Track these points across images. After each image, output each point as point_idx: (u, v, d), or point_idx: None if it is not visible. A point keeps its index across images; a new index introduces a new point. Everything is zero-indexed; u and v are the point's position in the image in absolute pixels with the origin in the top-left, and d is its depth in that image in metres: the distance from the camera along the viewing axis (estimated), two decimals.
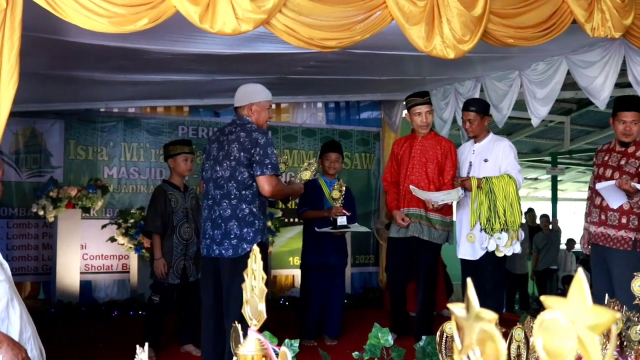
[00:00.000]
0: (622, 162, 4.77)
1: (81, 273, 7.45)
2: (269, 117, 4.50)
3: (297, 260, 8.31)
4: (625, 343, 2.72)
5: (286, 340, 2.53)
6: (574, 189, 19.80)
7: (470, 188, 5.15)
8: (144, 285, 6.57)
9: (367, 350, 3.16)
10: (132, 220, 7.32)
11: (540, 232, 11.10)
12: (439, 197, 5.16)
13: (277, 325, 2.47)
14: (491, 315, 0.72)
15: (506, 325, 2.74)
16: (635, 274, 2.94)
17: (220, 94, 7.05)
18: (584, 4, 4.42)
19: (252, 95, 4.42)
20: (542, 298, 0.70)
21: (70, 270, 7.25)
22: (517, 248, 5.16)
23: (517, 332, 2.57)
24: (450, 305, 0.77)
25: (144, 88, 6.77)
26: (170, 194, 5.37)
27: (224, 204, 4.21)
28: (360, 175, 8.97)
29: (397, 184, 5.49)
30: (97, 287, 7.73)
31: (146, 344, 1.61)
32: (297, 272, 8.13)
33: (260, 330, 1.35)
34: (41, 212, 7.13)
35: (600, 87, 5.67)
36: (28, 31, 3.27)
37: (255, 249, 1.32)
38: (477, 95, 7.08)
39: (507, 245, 5.08)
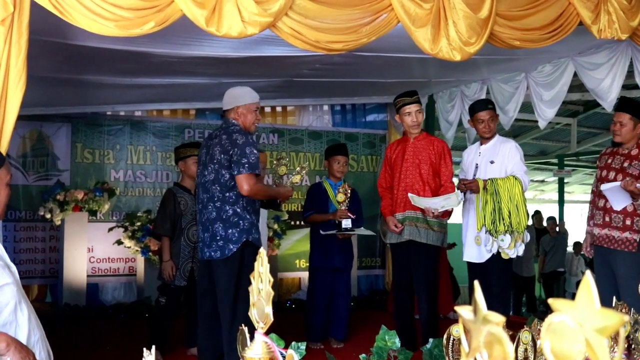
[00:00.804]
0: (626, 164, 4.76)
1: (88, 276, 7.46)
2: (256, 120, 4.47)
3: (303, 263, 8.32)
4: (633, 346, 2.71)
5: (293, 343, 2.52)
6: (581, 192, 19.75)
7: (477, 190, 5.08)
8: (151, 288, 6.58)
9: (374, 353, 3.15)
10: (138, 223, 7.34)
11: (547, 235, 11.06)
12: (438, 204, 5.05)
13: (283, 327, 2.46)
14: (499, 318, 0.72)
15: (513, 328, 2.73)
16: None
17: None
18: (590, 6, 4.42)
19: (238, 98, 4.42)
20: (550, 301, 0.70)
21: (77, 273, 7.27)
22: (521, 250, 5.09)
23: (525, 335, 2.56)
24: (458, 308, 0.77)
25: (151, 91, 6.78)
26: (180, 197, 5.39)
27: (210, 206, 4.27)
28: (367, 178, 8.96)
29: (392, 189, 5.38)
30: (104, 290, 7.74)
31: (153, 346, 1.61)
32: (303, 275, 8.13)
33: (267, 332, 1.35)
34: (48, 215, 7.15)
35: (607, 88, 5.66)
36: (35, 35, 3.28)
37: (262, 251, 1.32)
38: (483, 98, 7.07)
39: (510, 247, 5.00)
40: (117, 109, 7.87)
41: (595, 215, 4.94)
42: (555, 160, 13.90)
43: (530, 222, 11.06)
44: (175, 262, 5.29)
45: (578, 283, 9.33)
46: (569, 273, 11.78)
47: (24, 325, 2.31)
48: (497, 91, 6.94)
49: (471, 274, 5.38)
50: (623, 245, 4.70)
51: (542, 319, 2.71)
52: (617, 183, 4.67)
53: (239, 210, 4.22)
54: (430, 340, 3.42)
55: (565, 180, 14.32)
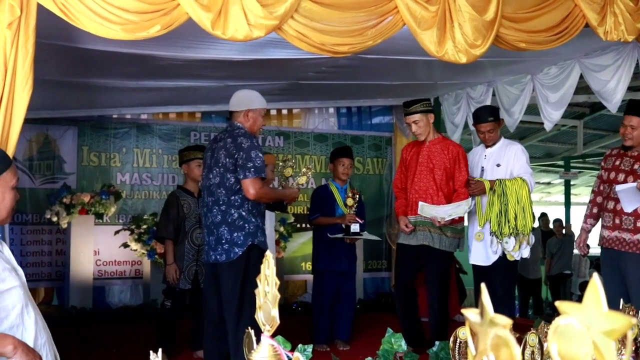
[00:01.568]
0: (636, 166, 4.74)
1: (94, 279, 7.48)
2: (262, 124, 4.52)
3: (308, 266, 8.31)
4: None
5: (299, 346, 2.53)
6: (587, 194, 19.62)
7: (483, 192, 5.07)
8: (157, 290, 6.59)
9: (380, 356, 3.15)
10: (145, 226, 7.35)
11: (553, 237, 11.04)
12: (446, 212, 5.00)
13: (289, 330, 2.47)
14: (505, 321, 0.72)
15: (520, 330, 2.73)
16: None
17: None
18: (596, 8, 4.41)
19: (250, 101, 4.43)
20: (557, 303, 0.70)
21: (83, 276, 7.28)
22: (525, 252, 5.08)
23: (531, 338, 2.55)
24: (465, 311, 0.77)
25: (156, 94, 6.80)
26: (183, 200, 5.40)
27: (215, 210, 4.28)
28: (372, 181, 8.96)
29: (406, 191, 5.34)
30: (111, 293, 7.75)
31: (159, 349, 1.61)
32: (309, 277, 8.13)
33: (273, 335, 1.35)
34: (55, 219, 7.17)
35: (613, 90, 5.65)
36: (42, 38, 3.29)
37: (269, 254, 1.32)
38: (489, 100, 7.07)
39: (515, 249, 5.00)
40: (123, 112, 7.89)
41: (605, 218, 4.92)
42: (561, 163, 13.89)
43: (536, 225, 11.06)
44: (180, 265, 5.30)
45: (583, 284, 9.33)
46: (577, 275, 11.75)
47: (31, 328, 2.32)
48: (502, 93, 6.93)
49: (477, 276, 5.33)
50: (635, 248, 4.67)
51: (548, 321, 2.70)
52: (633, 184, 4.64)
53: (244, 213, 4.23)
54: (437, 343, 3.41)
55: (572, 182, 14.30)
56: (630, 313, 2.84)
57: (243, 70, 5.69)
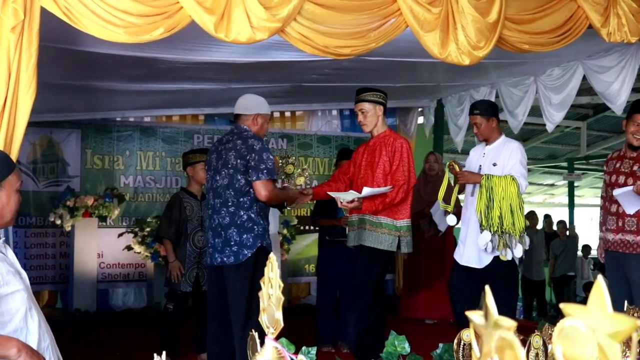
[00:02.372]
0: (635, 167, 4.73)
1: (98, 281, 7.49)
2: (267, 130, 4.59)
3: (312, 268, 8.31)
4: None
5: (303, 348, 2.52)
6: (591, 195, 19.68)
7: (477, 180, 4.78)
8: (161, 293, 6.60)
9: (384, 358, 3.14)
10: (148, 229, 7.36)
11: (557, 239, 11.03)
12: (341, 196, 4.65)
13: (293, 332, 2.46)
14: (510, 323, 0.72)
15: (524, 332, 2.72)
16: None
17: (236, 102, 7.08)
18: (599, 9, 4.40)
19: (259, 106, 4.45)
20: (562, 305, 0.70)
21: (87, 279, 7.29)
22: (517, 253, 4.75)
23: (536, 340, 2.55)
24: (469, 313, 0.77)
25: (160, 97, 6.81)
26: (186, 202, 5.41)
27: (223, 212, 4.26)
28: None
29: (340, 181, 5.03)
30: (114, 296, 7.77)
31: (164, 352, 1.61)
32: (313, 280, 8.13)
33: (277, 338, 1.35)
34: (58, 221, 7.18)
35: (616, 92, 5.64)
36: (45, 42, 3.30)
37: (272, 256, 1.32)
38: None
39: (499, 248, 4.69)
40: (126, 115, 7.91)
41: (608, 221, 4.90)
42: (565, 164, 13.88)
43: (540, 226, 11.06)
44: (182, 267, 5.31)
45: (586, 285, 9.27)
46: (581, 277, 11.74)
47: (35, 331, 2.32)
48: (506, 95, 6.93)
49: (469, 280, 4.99)
50: (639, 249, 4.67)
51: (553, 323, 2.70)
52: (630, 187, 4.64)
53: (253, 215, 4.23)
54: (440, 345, 3.40)
55: (575, 184, 14.29)
56: (635, 315, 2.84)
57: (246, 73, 5.70)
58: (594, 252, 10.86)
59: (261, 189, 4.14)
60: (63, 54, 4.37)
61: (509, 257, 4.77)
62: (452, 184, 4.99)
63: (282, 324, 1.30)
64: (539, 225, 11.03)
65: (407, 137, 8.81)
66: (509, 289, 4.91)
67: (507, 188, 4.71)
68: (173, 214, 5.38)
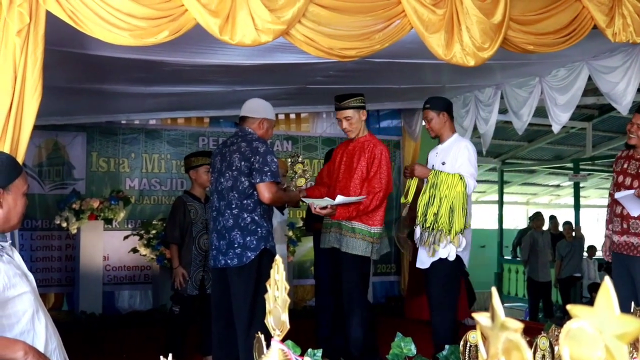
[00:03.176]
0: None
1: (104, 284, 7.50)
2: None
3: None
4: None
5: (309, 350, 2.52)
6: (597, 196, 19.62)
7: (425, 174, 4.69)
8: (166, 295, 6.61)
9: None
10: (154, 231, 7.37)
11: (563, 240, 11.00)
12: (315, 202, 4.67)
13: (299, 334, 2.46)
14: (517, 325, 0.71)
15: (530, 334, 2.72)
16: None
17: (241, 104, 7.02)
18: (604, 9, 4.39)
19: (266, 111, 4.50)
20: (569, 307, 0.70)
21: (93, 282, 7.31)
22: (443, 253, 4.55)
23: (542, 341, 2.54)
24: (475, 315, 0.77)
25: (165, 100, 6.82)
26: (190, 205, 5.41)
27: (227, 214, 4.26)
28: None
29: (323, 184, 5.08)
30: (120, 298, 7.78)
31: (169, 354, 1.61)
32: None
33: (283, 340, 1.35)
34: (64, 224, 7.20)
35: (622, 92, 5.62)
36: (51, 45, 3.31)
37: (278, 259, 1.32)
38: (497, 103, 7.06)
39: (426, 244, 4.58)
40: (131, 118, 7.92)
41: (614, 222, 4.90)
42: (570, 165, 13.84)
43: (546, 227, 11.03)
44: (187, 270, 5.31)
45: (591, 286, 9.23)
46: (587, 278, 11.71)
47: (41, 333, 2.33)
48: (511, 96, 6.92)
49: (423, 280, 4.96)
50: None
51: (559, 324, 2.69)
52: (631, 191, 4.64)
53: (256, 217, 4.24)
54: (447, 347, 3.40)
55: (581, 185, 14.25)
56: None
57: (251, 75, 5.70)
58: (599, 253, 10.83)
59: (265, 191, 4.16)
60: (68, 57, 4.38)
61: (436, 257, 4.58)
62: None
63: (288, 326, 1.30)
64: (545, 226, 11.00)
65: (412, 138, 8.83)
66: (445, 290, 4.66)
67: (453, 187, 4.56)
68: (177, 217, 5.39)
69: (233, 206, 4.25)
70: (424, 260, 4.73)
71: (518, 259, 12.33)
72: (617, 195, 4.71)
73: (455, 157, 4.69)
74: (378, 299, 8.62)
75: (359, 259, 4.73)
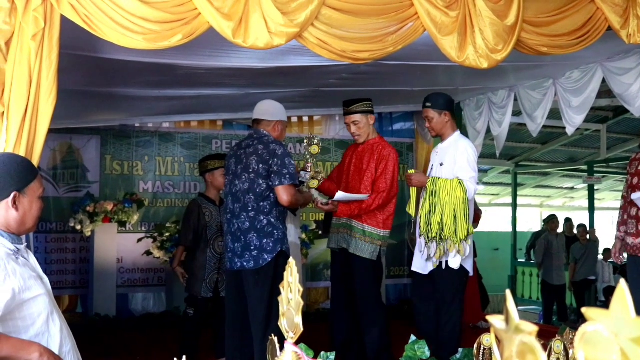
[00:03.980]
0: None
1: (118, 286, 7.53)
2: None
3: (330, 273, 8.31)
4: None
5: (322, 353, 2.52)
6: (612, 198, 19.49)
7: (423, 183, 4.55)
8: (180, 298, 6.63)
9: None
10: (167, 234, 7.39)
11: (577, 243, 10.94)
12: (337, 197, 4.70)
13: (312, 337, 2.47)
14: (531, 328, 0.71)
15: (544, 337, 2.70)
16: None
17: (254, 107, 7.09)
18: (619, 11, 4.37)
19: (281, 113, 4.53)
20: (584, 310, 0.69)
21: (107, 284, 7.33)
22: (453, 262, 4.45)
23: (557, 345, 2.53)
24: (489, 318, 0.76)
25: (178, 103, 6.84)
26: (205, 208, 5.42)
27: (243, 216, 4.26)
28: None
29: (333, 181, 5.13)
30: (134, 300, 7.80)
31: (183, 356, 1.61)
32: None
33: (297, 342, 1.35)
34: (78, 227, 7.23)
35: (635, 94, 5.59)
36: (65, 49, 3.33)
37: (292, 261, 1.32)
38: (511, 105, 7.03)
39: (437, 256, 4.41)
40: (145, 121, 7.95)
41: (628, 224, 4.86)
42: (584, 167, 13.78)
43: (560, 230, 10.97)
44: (202, 273, 5.33)
45: (606, 289, 9.16)
46: (602, 281, 11.64)
47: (56, 335, 2.34)
48: (524, 98, 6.89)
49: (415, 285, 4.87)
50: None
51: (573, 328, 2.68)
52: None
53: (273, 220, 4.24)
54: (460, 350, 3.39)
55: (596, 187, 14.17)
56: None
57: (264, 78, 5.72)
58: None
59: (283, 194, 4.17)
60: (83, 61, 4.41)
61: (444, 266, 4.48)
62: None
63: (301, 329, 1.31)
64: (560, 229, 10.95)
65: (425, 141, 8.81)
66: (453, 298, 4.57)
67: (452, 192, 4.38)
68: (192, 220, 5.41)
69: (249, 208, 4.25)
70: (423, 266, 4.62)
71: (532, 261, 12.28)
72: (634, 196, 4.68)
73: (453, 159, 4.56)
74: (391, 302, 8.60)
75: (368, 261, 4.77)
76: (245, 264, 4.22)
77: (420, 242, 4.57)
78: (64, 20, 3.18)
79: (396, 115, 9.12)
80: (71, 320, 5.36)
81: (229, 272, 4.43)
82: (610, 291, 10.02)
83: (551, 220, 10.74)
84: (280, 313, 1.34)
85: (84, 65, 4.58)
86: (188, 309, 5.42)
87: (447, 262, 4.45)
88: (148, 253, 7.45)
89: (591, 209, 12.72)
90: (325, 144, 8.75)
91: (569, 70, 6.24)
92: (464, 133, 7.85)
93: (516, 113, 7.54)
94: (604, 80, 5.95)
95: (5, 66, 3.08)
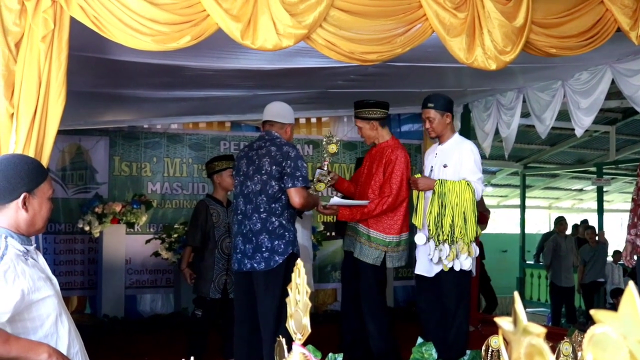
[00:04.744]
0: None
1: (126, 287, 7.54)
2: None
3: (339, 275, 8.30)
4: None
5: (330, 354, 2.52)
6: (621, 200, 19.41)
7: (430, 186, 4.54)
8: (188, 299, 6.64)
9: None
10: (175, 235, 7.40)
11: (586, 244, 10.90)
12: (337, 202, 4.75)
13: (320, 339, 2.46)
14: (539, 330, 0.71)
15: (553, 339, 2.70)
16: None
17: (262, 109, 7.04)
18: (628, 12, 4.35)
19: (292, 116, 4.58)
20: (592, 312, 0.69)
21: (115, 285, 7.35)
22: (466, 264, 4.45)
23: (565, 347, 2.52)
24: (497, 319, 0.76)
25: (186, 104, 6.86)
26: (213, 209, 5.43)
27: (254, 217, 4.27)
28: None
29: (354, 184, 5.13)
30: (142, 302, 7.82)
31: (191, 358, 1.62)
32: (339, 286, 8.12)
33: (304, 344, 1.35)
34: (87, 228, 7.26)
35: None
36: (74, 50, 3.35)
37: (299, 262, 1.33)
38: (519, 107, 7.01)
39: (449, 258, 4.40)
40: (153, 122, 7.97)
41: (638, 227, 4.84)
42: (593, 169, 13.74)
43: (569, 232, 10.93)
44: (210, 274, 5.33)
45: (613, 292, 9.12)
46: (611, 283, 11.59)
47: (65, 336, 2.35)
48: (533, 100, 6.88)
49: (420, 288, 4.85)
50: None
51: (582, 330, 2.67)
52: None
53: (284, 222, 4.26)
54: (468, 352, 3.38)
55: (605, 189, 14.12)
56: None
57: (272, 80, 5.72)
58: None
59: (296, 196, 4.19)
60: (92, 63, 4.42)
61: (457, 268, 4.46)
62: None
63: (309, 330, 1.31)
64: (568, 231, 10.91)
65: (433, 142, 8.79)
66: (460, 300, 4.56)
67: (461, 194, 4.39)
68: (199, 221, 5.42)
69: (261, 210, 4.25)
70: (428, 269, 4.61)
71: (540, 263, 12.25)
72: None
73: (459, 160, 4.55)
74: (399, 303, 8.59)
75: (371, 266, 4.78)
76: (255, 265, 4.22)
77: (429, 245, 4.54)
78: (73, 22, 3.19)
79: (404, 116, 9.11)
80: (79, 321, 5.39)
81: (238, 273, 4.43)
82: (617, 293, 9.98)
83: (559, 222, 10.71)
84: (288, 314, 1.34)
85: (93, 66, 4.60)
86: (196, 310, 5.42)
87: (435, 261, 4.48)
88: (156, 254, 7.47)
89: (600, 210, 12.68)
90: None
91: (577, 71, 6.22)
92: (473, 134, 7.85)
93: (525, 114, 7.52)
94: (613, 82, 5.93)
95: (15, 67, 3.10)
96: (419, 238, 4.67)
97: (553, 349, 2.48)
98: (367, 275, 4.80)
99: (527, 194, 14.62)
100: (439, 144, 4.76)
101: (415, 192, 4.73)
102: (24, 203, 2.33)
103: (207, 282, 5.32)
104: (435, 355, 3.15)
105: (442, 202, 4.42)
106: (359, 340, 5.02)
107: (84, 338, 2.52)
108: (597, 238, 10.87)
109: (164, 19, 3.31)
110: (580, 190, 18.53)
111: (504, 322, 0.76)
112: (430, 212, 4.48)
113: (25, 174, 2.36)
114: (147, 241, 7.57)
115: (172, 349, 5.73)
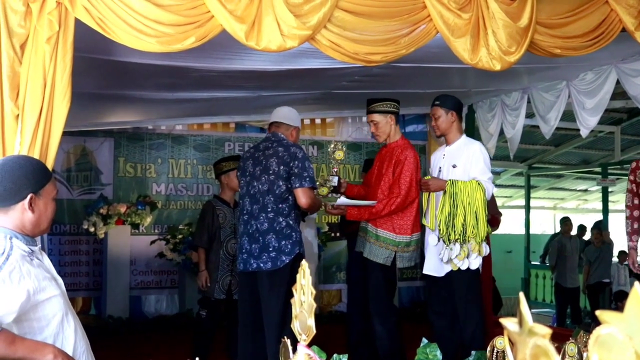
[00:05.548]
0: None
1: (131, 288, 7.56)
2: None
3: (343, 275, 8.31)
4: None
5: (335, 355, 2.52)
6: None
7: (442, 187, 4.52)
8: (193, 300, 6.65)
9: None
10: (180, 236, 7.41)
11: (591, 245, 10.88)
12: (345, 202, 4.72)
13: (324, 339, 2.46)
14: (545, 330, 0.71)
15: (558, 340, 2.69)
16: None
17: (266, 110, 7.11)
18: (633, 12, 4.34)
19: (298, 120, 4.60)
20: (598, 312, 0.69)
21: (120, 286, 7.37)
22: (475, 263, 4.46)
23: (570, 347, 2.52)
24: (503, 320, 0.76)
25: (191, 105, 6.87)
26: (219, 209, 5.44)
27: (261, 217, 4.27)
28: None
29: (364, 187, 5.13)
30: (147, 302, 7.83)
31: (196, 358, 1.62)
32: (344, 287, 8.13)
33: (309, 345, 1.35)
34: (92, 229, 7.28)
35: None
36: (79, 52, 3.35)
37: (304, 263, 1.33)
38: (524, 107, 7.01)
39: (460, 257, 4.40)
40: (158, 124, 7.99)
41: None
42: (598, 169, 13.70)
43: (574, 232, 10.91)
44: (214, 275, 5.34)
45: (617, 295, 9.08)
46: (617, 283, 11.56)
47: (71, 337, 2.35)
48: (538, 100, 6.86)
49: (430, 288, 4.87)
50: None
51: (587, 330, 2.66)
52: None
53: (291, 222, 4.27)
54: (473, 352, 3.38)
55: (610, 190, 14.08)
56: None
57: (277, 81, 5.73)
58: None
59: (303, 196, 4.20)
60: (96, 64, 4.43)
61: (463, 267, 4.45)
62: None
63: (314, 331, 1.31)
64: (573, 232, 10.89)
65: (438, 143, 8.78)
66: (471, 299, 4.56)
67: (473, 194, 4.42)
68: (206, 221, 5.42)
69: (269, 210, 4.26)
70: (438, 268, 4.61)
71: (546, 264, 12.22)
72: None
73: (469, 161, 4.56)
74: (404, 304, 8.59)
75: (380, 266, 4.73)
76: (262, 265, 4.22)
77: (440, 245, 4.53)
78: (78, 24, 3.20)
79: (409, 117, 9.11)
80: (84, 322, 5.39)
81: (243, 273, 4.42)
82: (620, 295, 9.95)
83: (564, 223, 10.68)
84: (293, 315, 1.34)
85: (98, 68, 4.61)
86: (201, 311, 5.43)
87: (445, 260, 4.47)
88: (161, 255, 7.49)
89: (605, 211, 12.64)
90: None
91: (582, 71, 6.21)
92: (477, 135, 7.84)
93: (529, 115, 7.51)
94: (618, 82, 5.92)
95: (20, 69, 3.11)
96: (432, 238, 4.65)
97: (558, 349, 2.48)
98: (376, 275, 4.76)
99: (532, 195, 14.59)
100: (446, 145, 4.77)
101: (425, 194, 4.71)
102: (30, 204, 2.34)
103: (211, 283, 5.33)
104: (439, 356, 3.14)
105: (454, 202, 4.43)
106: (364, 340, 5.02)
107: (89, 339, 2.52)
108: (602, 238, 10.85)
109: (168, 21, 3.31)
110: (585, 190, 18.50)
111: (509, 323, 0.76)
112: (442, 212, 4.47)
113: (31, 175, 2.36)
114: (152, 242, 7.59)
115: (177, 350, 5.73)
